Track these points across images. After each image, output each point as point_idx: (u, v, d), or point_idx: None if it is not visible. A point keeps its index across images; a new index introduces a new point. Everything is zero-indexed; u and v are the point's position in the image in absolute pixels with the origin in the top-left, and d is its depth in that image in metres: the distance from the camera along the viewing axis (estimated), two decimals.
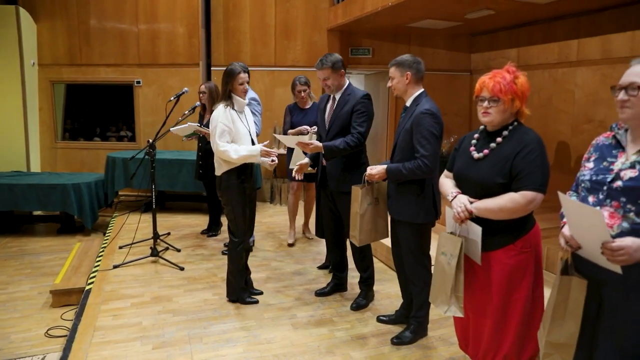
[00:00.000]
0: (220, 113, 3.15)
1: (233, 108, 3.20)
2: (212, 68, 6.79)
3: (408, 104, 2.80)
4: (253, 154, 3.19)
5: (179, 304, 3.44)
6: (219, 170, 3.26)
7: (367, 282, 3.46)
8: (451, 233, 2.17)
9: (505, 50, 6.64)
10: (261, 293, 3.59)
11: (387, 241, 3.26)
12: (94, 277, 3.88)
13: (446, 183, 2.31)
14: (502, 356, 2.17)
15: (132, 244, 4.55)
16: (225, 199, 3.28)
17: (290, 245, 4.74)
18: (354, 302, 3.42)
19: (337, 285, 3.66)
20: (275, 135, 4.25)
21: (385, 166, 2.78)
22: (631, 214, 1.54)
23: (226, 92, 3.22)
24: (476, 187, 2.11)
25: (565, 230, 1.72)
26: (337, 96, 3.27)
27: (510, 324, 2.14)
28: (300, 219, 5.05)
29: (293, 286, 3.79)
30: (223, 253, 4.41)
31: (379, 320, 3.20)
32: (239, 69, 3.20)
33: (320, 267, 4.18)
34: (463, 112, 7.39)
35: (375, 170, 2.79)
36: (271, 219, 5.80)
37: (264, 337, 2.97)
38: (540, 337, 1.83)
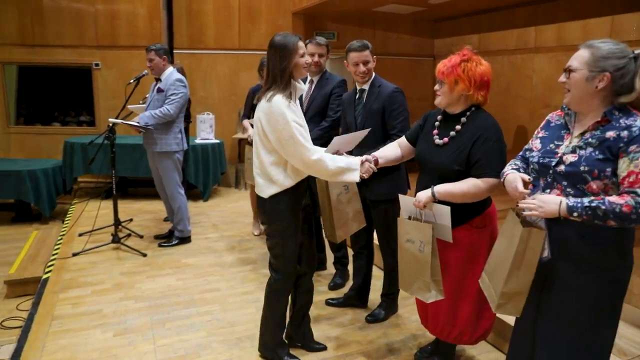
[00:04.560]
0: (284, 108, 2.14)
1: (290, 98, 2.23)
2: (174, 51, 6.61)
3: (366, 87, 2.83)
4: (352, 167, 2.23)
5: (141, 290, 3.40)
6: (265, 190, 2.29)
7: (341, 261, 3.53)
8: (411, 218, 2.18)
9: (467, 36, 6.77)
10: (325, 348, 2.69)
11: None
12: (52, 265, 3.78)
13: (388, 147, 2.45)
14: (458, 331, 2.27)
15: (92, 231, 4.44)
16: (273, 228, 2.36)
17: (256, 235, 4.66)
18: (332, 281, 3.52)
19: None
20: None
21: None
22: (570, 197, 1.60)
23: (284, 75, 2.18)
24: (435, 173, 2.18)
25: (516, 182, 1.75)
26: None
27: (465, 299, 2.23)
28: None
29: (258, 270, 3.81)
30: (160, 245, 4.29)
31: (327, 303, 3.22)
32: (296, 38, 2.20)
33: None
34: (426, 97, 7.50)
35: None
36: (236, 204, 5.78)
37: (228, 321, 2.98)
38: (488, 288, 1.84)
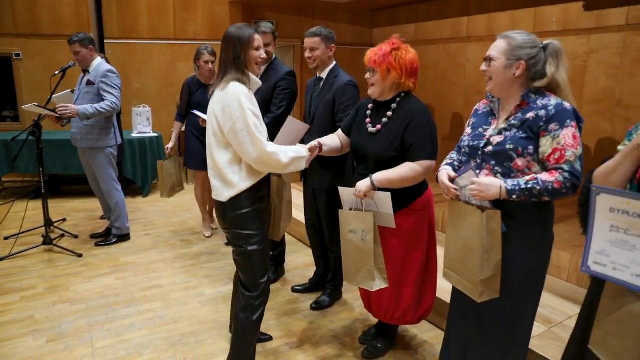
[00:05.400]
0: (241, 95, 1.98)
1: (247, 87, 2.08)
2: (105, 41, 6.28)
3: (324, 75, 2.85)
4: (302, 155, 2.17)
5: (77, 292, 3.24)
6: (222, 193, 2.08)
7: (278, 260, 3.52)
8: (352, 209, 2.22)
9: (404, 25, 6.91)
10: (270, 339, 2.70)
11: (295, 214, 3.31)
12: None
13: (329, 136, 2.46)
14: (402, 311, 2.35)
15: (20, 233, 4.17)
16: (237, 237, 2.12)
17: (208, 237, 4.39)
18: None
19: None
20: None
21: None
22: (498, 175, 1.73)
23: (238, 66, 2.05)
24: (371, 160, 2.23)
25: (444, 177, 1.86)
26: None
27: (407, 281, 2.31)
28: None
29: (201, 264, 3.74)
30: (97, 245, 4.10)
31: (293, 290, 3.26)
32: (252, 31, 2.08)
33: (228, 244, 4.15)
34: (366, 86, 7.63)
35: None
36: (177, 199, 5.59)
37: (171, 318, 2.91)
38: (459, 281, 1.82)
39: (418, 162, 2.11)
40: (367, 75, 2.20)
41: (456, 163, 1.97)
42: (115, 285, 3.36)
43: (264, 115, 3.09)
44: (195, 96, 4.10)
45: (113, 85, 3.80)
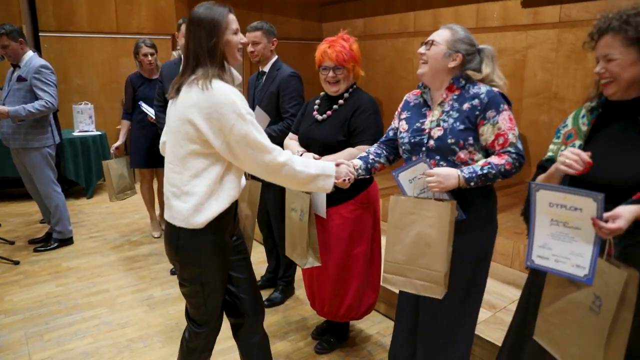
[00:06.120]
0: (233, 96, 1.56)
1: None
2: (40, 34, 5.92)
3: (266, 69, 2.87)
4: (327, 172, 1.78)
5: (12, 302, 3.05)
6: (188, 217, 1.62)
7: None
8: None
9: (353, 20, 6.95)
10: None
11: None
12: None
13: (291, 144, 2.40)
14: (346, 307, 2.36)
15: None
16: (190, 271, 1.71)
17: (157, 237, 4.23)
18: None
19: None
20: None
21: None
22: (465, 169, 1.70)
23: (214, 55, 1.61)
24: (320, 145, 2.25)
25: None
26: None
27: (351, 276, 2.32)
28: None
29: (149, 266, 3.62)
30: (36, 250, 3.88)
31: None
32: (225, 10, 1.64)
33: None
34: (315, 80, 7.55)
35: None
36: (124, 200, 5.40)
37: (117, 323, 2.80)
38: (410, 283, 1.75)
39: (358, 147, 2.15)
40: (331, 74, 2.20)
41: (371, 157, 1.97)
42: (56, 292, 3.19)
43: None
44: (139, 91, 3.95)
45: (48, 82, 3.58)
